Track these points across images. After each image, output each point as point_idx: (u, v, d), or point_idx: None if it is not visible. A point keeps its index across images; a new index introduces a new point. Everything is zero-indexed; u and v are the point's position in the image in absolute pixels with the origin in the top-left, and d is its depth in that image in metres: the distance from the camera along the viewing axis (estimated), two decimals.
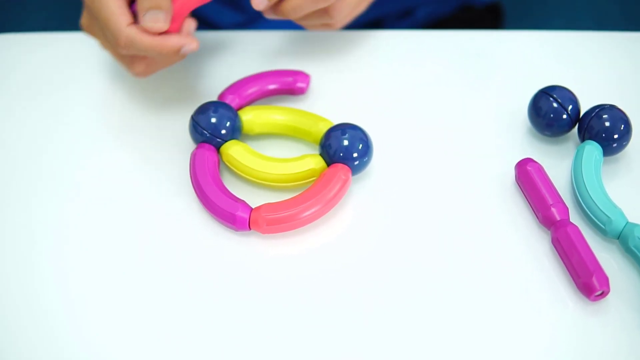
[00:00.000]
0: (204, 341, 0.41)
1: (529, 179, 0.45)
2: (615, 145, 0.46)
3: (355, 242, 0.45)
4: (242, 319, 0.41)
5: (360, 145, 0.45)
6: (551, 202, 0.44)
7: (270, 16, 0.49)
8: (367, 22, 0.61)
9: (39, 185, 0.48)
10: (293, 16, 0.48)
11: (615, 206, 0.44)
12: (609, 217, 0.43)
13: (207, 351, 0.40)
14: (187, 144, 0.49)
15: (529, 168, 0.45)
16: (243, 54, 0.55)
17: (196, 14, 0.64)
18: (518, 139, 0.50)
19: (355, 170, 0.46)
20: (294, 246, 0.44)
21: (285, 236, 0.45)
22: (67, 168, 0.49)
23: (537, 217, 0.45)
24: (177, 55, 0.46)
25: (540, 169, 0.46)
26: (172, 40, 0.45)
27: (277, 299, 0.42)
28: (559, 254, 0.43)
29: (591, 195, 0.44)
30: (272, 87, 0.51)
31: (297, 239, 0.45)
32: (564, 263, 0.43)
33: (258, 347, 0.40)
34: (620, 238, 0.43)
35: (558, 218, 0.44)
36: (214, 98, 0.51)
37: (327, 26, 0.50)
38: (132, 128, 0.51)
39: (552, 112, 0.47)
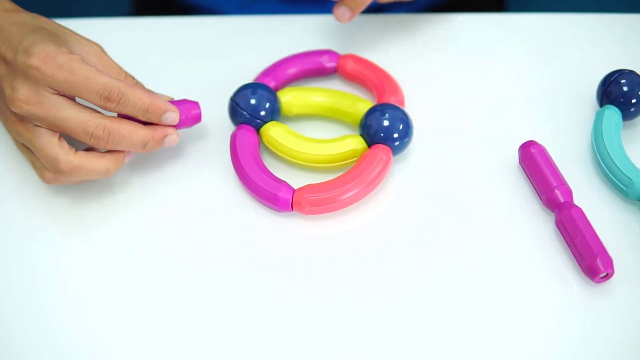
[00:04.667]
0: (245, 320, 0.41)
1: (532, 161, 0.45)
2: (633, 109, 0.47)
3: (394, 222, 0.45)
4: (285, 300, 0.42)
5: (401, 126, 0.46)
6: (555, 185, 0.44)
7: (345, 15, 0.49)
8: (368, 9, 0.61)
9: None
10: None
11: (636, 168, 0.44)
12: (630, 179, 0.44)
13: (247, 330, 0.41)
14: (226, 126, 0.49)
15: (532, 150, 0.46)
16: (275, 39, 0.54)
17: (198, 3, 0.63)
18: (524, 117, 0.50)
19: (396, 150, 0.46)
20: (334, 227, 0.45)
21: (325, 217, 0.45)
22: None
23: (541, 200, 0.45)
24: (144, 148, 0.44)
25: (543, 151, 0.46)
26: (159, 131, 0.44)
27: (318, 279, 0.43)
28: (563, 236, 0.43)
29: (612, 158, 0.45)
30: (305, 67, 0.51)
31: (338, 219, 0.45)
32: (568, 245, 0.43)
33: (299, 327, 0.41)
34: None
35: (562, 200, 0.44)
36: (250, 81, 0.50)
37: None
38: None
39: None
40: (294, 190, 0.44)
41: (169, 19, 0.58)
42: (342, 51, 0.52)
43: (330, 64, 0.51)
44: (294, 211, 0.44)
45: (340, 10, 0.49)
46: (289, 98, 0.48)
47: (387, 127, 0.45)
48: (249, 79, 0.51)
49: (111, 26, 0.57)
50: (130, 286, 0.43)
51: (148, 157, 0.48)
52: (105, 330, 0.41)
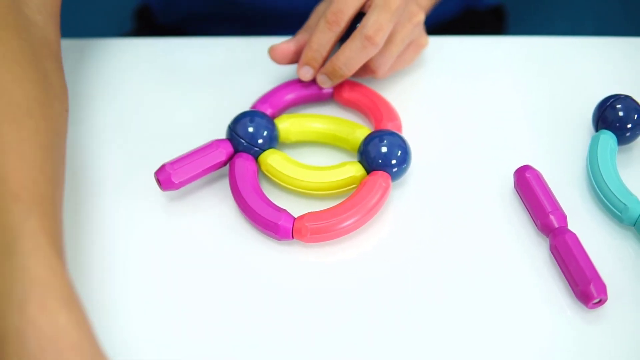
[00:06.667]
0: (244, 348, 0.41)
1: (527, 186, 0.46)
2: (628, 134, 0.48)
3: (393, 247, 0.45)
4: (288, 329, 0.42)
5: (399, 152, 0.46)
6: (549, 210, 0.44)
7: (326, 84, 0.50)
8: None
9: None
10: (346, 73, 0.48)
11: (631, 193, 0.45)
12: (625, 204, 0.44)
13: (246, 357, 0.41)
14: None
15: (527, 175, 0.46)
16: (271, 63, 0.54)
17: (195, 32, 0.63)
18: (520, 141, 0.50)
19: (395, 176, 0.46)
20: (334, 254, 0.45)
21: (325, 244, 0.45)
22: (107, 177, 0.49)
23: (536, 225, 0.45)
24: None
25: (538, 176, 0.46)
26: None
27: (320, 307, 0.43)
28: (557, 261, 0.43)
29: (607, 183, 0.45)
30: (302, 94, 0.51)
31: (338, 247, 0.45)
32: (562, 271, 0.43)
33: (301, 355, 0.41)
34: (637, 225, 0.44)
35: (556, 225, 0.44)
36: (247, 108, 0.50)
37: (373, 76, 0.52)
38: (168, 139, 0.50)
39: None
40: (294, 218, 0.44)
41: (169, 40, 0.58)
42: None
43: (326, 89, 0.51)
44: (294, 239, 0.44)
45: (320, 77, 0.50)
46: (286, 125, 0.49)
47: (385, 153, 0.45)
48: (247, 101, 0.51)
49: (112, 46, 0.58)
50: (127, 315, 0.42)
51: (148, 188, 0.48)
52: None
